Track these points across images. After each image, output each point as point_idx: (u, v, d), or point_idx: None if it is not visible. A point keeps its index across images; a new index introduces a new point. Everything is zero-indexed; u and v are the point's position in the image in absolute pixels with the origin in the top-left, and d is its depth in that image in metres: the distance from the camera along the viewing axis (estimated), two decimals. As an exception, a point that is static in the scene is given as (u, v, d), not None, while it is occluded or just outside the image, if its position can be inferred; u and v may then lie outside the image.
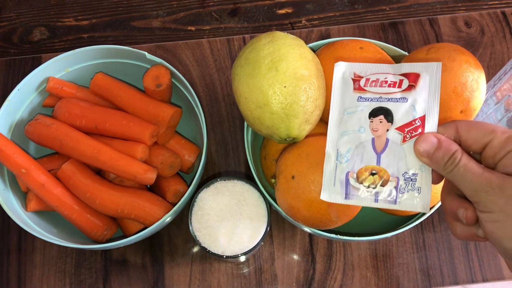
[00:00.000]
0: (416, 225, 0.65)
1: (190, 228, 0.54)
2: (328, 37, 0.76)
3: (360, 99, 0.45)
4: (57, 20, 0.81)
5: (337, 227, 0.58)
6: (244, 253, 0.53)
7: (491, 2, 0.80)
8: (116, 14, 0.81)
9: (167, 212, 0.56)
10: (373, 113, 0.44)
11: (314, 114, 0.51)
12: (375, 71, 0.46)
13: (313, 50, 0.59)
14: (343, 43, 0.57)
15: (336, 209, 0.48)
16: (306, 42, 0.75)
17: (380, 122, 0.44)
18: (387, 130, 0.43)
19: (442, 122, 0.49)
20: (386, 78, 0.45)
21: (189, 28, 0.80)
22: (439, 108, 0.42)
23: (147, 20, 0.81)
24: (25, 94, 0.60)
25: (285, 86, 0.49)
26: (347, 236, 0.53)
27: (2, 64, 0.75)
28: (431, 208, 0.55)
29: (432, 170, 0.41)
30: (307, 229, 0.54)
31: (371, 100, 0.45)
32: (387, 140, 0.43)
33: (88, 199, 0.56)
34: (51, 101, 0.62)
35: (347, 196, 0.45)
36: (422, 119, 0.42)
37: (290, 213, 0.51)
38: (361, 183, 0.44)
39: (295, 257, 0.65)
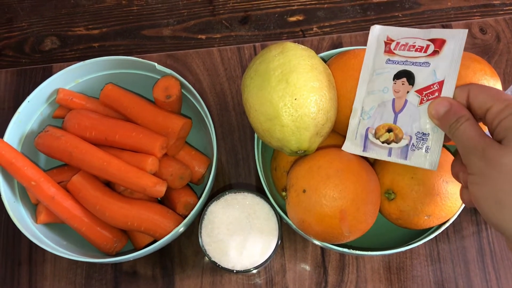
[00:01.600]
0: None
1: (200, 241, 0.53)
2: (340, 44, 0.75)
3: (388, 61, 0.49)
4: (68, 29, 0.81)
5: (348, 242, 0.57)
6: (255, 268, 0.52)
7: (507, 8, 0.78)
8: (126, 23, 0.81)
9: (177, 225, 0.55)
10: (397, 75, 0.48)
11: (325, 126, 0.50)
12: (406, 35, 0.49)
13: (324, 60, 0.58)
14: (355, 52, 0.55)
15: (348, 224, 0.47)
16: (318, 50, 0.75)
17: (402, 84, 0.47)
18: (408, 92, 0.47)
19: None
20: (414, 42, 0.48)
21: (199, 36, 0.80)
22: (457, 75, 0.44)
23: (157, 28, 0.80)
24: (35, 105, 0.60)
25: (295, 99, 0.48)
26: (360, 250, 0.52)
27: (14, 74, 0.76)
28: (445, 222, 0.54)
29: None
30: (318, 243, 0.53)
31: (398, 63, 0.48)
32: (406, 101, 0.47)
33: (98, 211, 0.56)
34: (61, 112, 0.62)
35: (364, 148, 0.50)
36: (441, 83, 0.45)
37: (301, 227, 0.51)
38: (378, 138, 0.48)
39: (307, 269, 0.64)
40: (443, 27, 0.76)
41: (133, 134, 0.56)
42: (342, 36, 0.76)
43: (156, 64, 0.59)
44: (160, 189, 0.54)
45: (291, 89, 0.48)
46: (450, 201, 0.50)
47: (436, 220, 0.51)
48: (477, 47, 0.75)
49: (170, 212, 0.57)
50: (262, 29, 0.80)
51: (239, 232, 0.53)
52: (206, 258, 0.65)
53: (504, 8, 0.78)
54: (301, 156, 0.53)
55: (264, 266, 0.56)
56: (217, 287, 0.64)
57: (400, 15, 0.79)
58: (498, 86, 0.49)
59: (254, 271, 0.62)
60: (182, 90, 0.62)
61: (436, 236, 0.65)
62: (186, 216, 0.55)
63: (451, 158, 0.52)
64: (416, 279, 0.64)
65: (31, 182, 0.55)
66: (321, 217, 0.48)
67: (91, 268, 0.65)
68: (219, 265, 0.52)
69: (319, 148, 0.53)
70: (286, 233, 0.66)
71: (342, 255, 0.65)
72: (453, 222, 0.58)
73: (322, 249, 0.65)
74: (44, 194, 0.55)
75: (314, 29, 0.79)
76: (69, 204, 0.56)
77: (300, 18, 0.80)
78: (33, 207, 0.60)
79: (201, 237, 0.53)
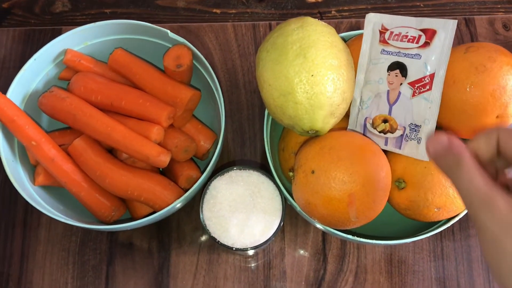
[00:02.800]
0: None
1: (201, 216, 0.51)
2: (358, 29, 0.73)
3: (383, 51, 0.50)
4: (80, -7, 0.79)
5: (353, 228, 0.55)
6: (255, 247, 0.50)
7: (532, 6, 0.76)
8: (140, -9, 0.79)
9: (178, 198, 0.53)
10: (391, 67, 0.49)
11: (340, 107, 0.48)
12: (400, 24, 0.49)
13: (344, 40, 0.56)
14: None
15: (356, 209, 0.46)
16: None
17: (396, 76, 0.49)
18: (401, 84, 0.48)
19: (476, 128, 0.47)
20: (407, 32, 0.48)
21: (214, 10, 0.78)
22: (446, 67, 0.46)
23: (172, -1, 0.78)
24: (41, 64, 0.58)
25: (312, 75, 0.46)
26: (363, 238, 0.51)
27: (22, 34, 0.74)
28: (452, 218, 0.52)
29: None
30: (320, 227, 0.51)
31: (392, 53, 0.49)
32: (399, 93, 0.49)
33: (98, 177, 0.54)
34: (67, 74, 0.60)
35: None
36: (432, 76, 0.47)
37: (306, 209, 0.49)
38: (375, 128, 0.51)
39: (306, 255, 0.63)
40: (466, 20, 0.74)
41: (140, 101, 0.55)
42: (360, 21, 0.74)
43: (169, 31, 0.58)
44: (164, 159, 0.52)
45: (309, 65, 0.46)
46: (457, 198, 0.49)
47: (446, 213, 0.49)
48: (499, 43, 0.72)
49: (172, 185, 0.56)
50: (279, 8, 0.77)
51: (242, 210, 0.51)
52: (204, 236, 0.64)
53: (530, 6, 0.76)
54: (312, 136, 0.51)
55: (264, 246, 0.54)
56: (213, 265, 0.63)
57: (421, 5, 0.77)
58: (523, 81, 0.47)
59: (251, 252, 0.60)
60: (194, 61, 0.60)
61: (441, 232, 0.64)
62: (187, 190, 0.53)
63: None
64: (417, 274, 0.62)
65: (31, 142, 0.53)
66: (329, 199, 0.46)
67: (86, 236, 0.64)
68: (218, 241, 0.50)
69: (332, 130, 0.51)
70: (288, 216, 0.65)
71: (343, 243, 0.63)
72: (459, 219, 0.56)
73: (324, 236, 0.64)
74: (44, 155, 0.54)
75: (333, 12, 0.77)
76: (69, 167, 0.54)
77: (319, 0, 0.78)
78: (32, 168, 0.58)
79: (202, 211, 0.52)
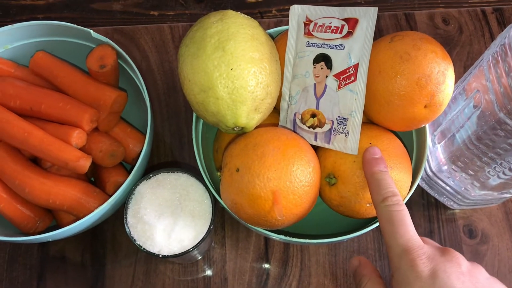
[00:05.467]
0: (380, 230, 0.61)
1: (125, 223, 0.49)
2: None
3: (308, 44, 0.48)
4: (11, -2, 0.76)
5: (295, 229, 0.53)
6: (183, 253, 0.48)
7: (471, 1, 0.76)
8: (75, -5, 0.76)
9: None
10: (316, 59, 0.47)
11: (265, 101, 0.46)
12: (323, 14, 0.48)
13: (272, 36, 0.54)
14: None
15: (282, 207, 0.43)
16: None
17: (321, 68, 0.47)
18: (326, 76, 0.47)
19: (405, 118, 0.45)
20: (331, 22, 0.47)
21: (151, 12, 0.75)
22: (369, 56, 0.45)
23: (107, 2, 0.76)
24: (-43, 70, 0.55)
25: (232, 69, 0.44)
26: (298, 238, 0.48)
27: None
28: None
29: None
30: (251, 227, 0.49)
31: (316, 45, 0.47)
32: (326, 86, 0.47)
33: (17, 186, 0.51)
34: (-14, 79, 0.57)
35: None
36: (356, 67, 0.45)
37: (233, 210, 0.46)
38: (304, 123, 0.49)
39: (249, 260, 0.60)
40: (406, 16, 0.74)
41: (59, 104, 0.52)
42: (301, 19, 0.73)
43: (91, 31, 0.55)
44: (83, 164, 0.49)
45: (228, 58, 0.44)
46: (400, 187, 0.47)
47: (379, 209, 0.47)
48: (439, 38, 0.72)
49: (97, 192, 0.53)
50: (219, 8, 0.75)
51: (168, 214, 0.48)
52: (141, 245, 0.60)
53: (469, 1, 0.76)
54: (240, 134, 0.49)
55: (196, 252, 0.51)
56: (150, 276, 0.60)
57: (362, 1, 0.76)
58: (450, 70, 0.46)
59: (194, 257, 0.57)
60: (122, 63, 0.57)
61: (385, 230, 0.62)
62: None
63: (397, 142, 0.49)
64: (363, 274, 0.60)
65: None
66: (254, 198, 0.44)
67: (15, 251, 0.60)
68: (144, 248, 0.48)
69: (260, 126, 0.49)
70: (228, 222, 0.62)
71: (286, 246, 0.61)
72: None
73: (266, 240, 0.61)
74: (-44, 165, 0.50)
75: (273, 11, 0.76)
76: (-15, 177, 0.51)
77: (260, 0, 0.76)
78: None
79: (126, 218, 0.49)
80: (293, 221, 0.46)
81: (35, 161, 0.55)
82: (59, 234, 0.49)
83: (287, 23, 0.49)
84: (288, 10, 0.51)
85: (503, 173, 0.51)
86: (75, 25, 0.55)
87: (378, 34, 0.72)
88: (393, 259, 0.38)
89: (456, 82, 0.53)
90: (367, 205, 0.47)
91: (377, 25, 0.73)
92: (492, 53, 0.46)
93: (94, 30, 0.55)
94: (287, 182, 0.43)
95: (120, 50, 0.54)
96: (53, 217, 0.56)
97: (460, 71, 0.69)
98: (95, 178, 0.57)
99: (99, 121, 0.53)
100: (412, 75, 0.44)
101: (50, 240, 0.50)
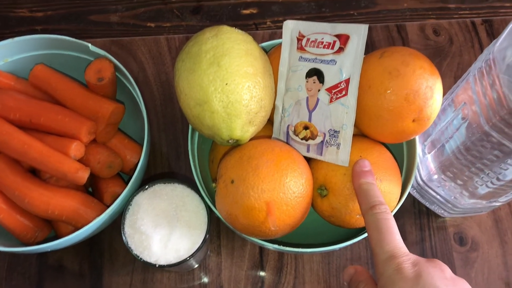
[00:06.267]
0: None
1: (122, 233, 0.50)
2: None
3: (300, 59, 0.49)
4: (10, 10, 0.77)
5: (288, 238, 0.54)
6: (180, 263, 0.49)
7: (461, 12, 0.77)
8: (72, 7, 0.77)
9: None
10: (309, 74, 0.49)
11: (259, 115, 0.48)
12: (315, 30, 0.49)
13: (266, 50, 0.55)
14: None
15: (275, 218, 0.45)
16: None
17: (314, 82, 0.48)
18: (319, 90, 0.48)
19: (394, 132, 0.47)
20: (323, 38, 0.48)
21: (148, 24, 0.77)
22: (360, 72, 0.47)
23: (105, 14, 0.77)
24: (-42, 83, 0.56)
25: (226, 83, 0.45)
26: (292, 247, 0.50)
27: None
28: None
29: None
30: (245, 237, 0.50)
31: (309, 60, 0.49)
32: (318, 99, 0.48)
33: (17, 197, 0.52)
34: (-14, 92, 0.58)
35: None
36: (347, 81, 0.47)
37: (228, 220, 0.48)
38: (297, 135, 0.50)
39: (244, 268, 0.62)
40: (397, 27, 0.75)
41: (58, 117, 0.53)
42: (295, 31, 0.74)
43: (90, 44, 0.56)
44: (82, 175, 0.51)
45: (223, 73, 0.45)
46: (388, 198, 0.48)
47: (370, 219, 0.49)
48: (430, 49, 0.74)
49: (95, 202, 0.54)
50: (214, 20, 0.77)
51: (165, 225, 0.50)
52: (138, 254, 0.61)
53: (459, 12, 0.77)
54: (234, 146, 0.50)
55: (193, 262, 0.53)
56: (147, 285, 0.61)
57: (355, 13, 0.78)
58: (438, 85, 0.47)
59: (189, 266, 0.58)
60: (119, 76, 0.59)
61: (378, 238, 0.63)
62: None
63: (387, 155, 0.50)
64: (356, 282, 0.61)
65: None
66: (248, 209, 0.45)
67: (14, 260, 0.61)
68: (141, 258, 0.49)
69: (254, 139, 0.50)
70: (224, 231, 0.63)
71: (280, 255, 0.62)
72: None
73: (261, 249, 0.62)
74: (-43, 177, 0.51)
75: (268, 23, 0.77)
76: (-15, 189, 0.52)
77: (254, 11, 0.78)
78: None
79: (123, 228, 0.50)
80: (287, 231, 0.47)
81: (34, 173, 0.56)
82: (58, 244, 0.50)
83: (281, 35, 0.50)
84: (282, 21, 0.52)
85: (491, 182, 0.52)
86: (73, 39, 0.56)
87: (370, 45, 0.74)
88: (378, 265, 0.39)
89: (446, 93, 0.54)
90: (357, 216, 0.48)
91: (369, 36, 0.74)
92: (478, 67, 0.47)
93: (91, 42, 0.57)
94: (281, 193, 0.45)
95: (118, 63, 0.56)
96: (51, 227, 0.57)
97: (451, 81, 0.71)
98: (93, 189, 0.58)
99: (97, 133, 0.55)
100: (400, 91, 0.45)
101: (49, 250, 0.51)
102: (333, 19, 0.77)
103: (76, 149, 0.52)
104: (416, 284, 0.35)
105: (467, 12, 0.77)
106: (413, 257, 0.38)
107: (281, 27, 0.76)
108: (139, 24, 0.76)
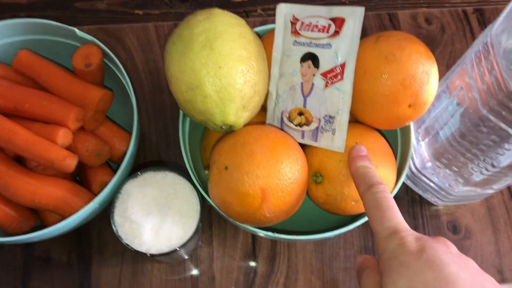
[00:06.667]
0: (366, 227, 0.62)
1: (112, 222, 0.48)
2: (283, 27, 0.72)
3: (295, 43, 0.48)
4: (-8, -4, 0.74)
5: (282, 226, 0.53)
6: (171, 252, 0.47)
7: (453, 1, 0.77)
8: (58, -7, 0.75)
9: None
10: (303, 58, 0.47)
11: (253, 100, 0.47)
12: (310, 13, 0.48)
13: (259, 35, 0.54)
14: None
15: (271, 205, 0.44)
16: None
17: (309, 67, 0.47)
18: (314, 75, 0.47)
19: (389, 117, 0.46)
20: (318, 22, 0.47)
21: (136, 12, 0.75)
22: (356, 55, 0.45)
23: (92, 1, 0.75)
24: None
25: (219, 67, 0.44)
26: (285, 234, 0.49)
27: None
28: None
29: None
30: (245, 227, 0.49)
31: (303, 44, 0.47)
32: (313, 84, 0.47)
33: (1, 186, 0.50)
34: (-31, 78, 0.56)
35: None
36: (343, 66, 0.46)
37: (222, 208, 0.47)
38: (292, 121, 0.49)
39: (236, 258, 0.61)
40: (389, 15, 0.75)
41: (44, 103, 0.51)
42: (286, 19, 0.73)
43: (76, 29, 0.55)
44: (69, 163, 0.49)
45: (215, 56, 0.44)
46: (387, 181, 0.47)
47: (365, 206, 0.48)
48: (422, 37, 0.73)
49: (83, 191, 0.52)
50: (203, 7, 0.75)
51: (156, 213, 0.48)
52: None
53: (451, 1, 0.77)
54: (228, 132, 0.49)
55: (184, 251, 0.51)
56: (138, 276, 0.59)
57: (347, 1, 0.77)
58: (434, 69, 0.46)
59: (179, 256, 0.57)
60: (107, 62, 0.57)
61: (370, 227, 0.62)
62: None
63: (382, 141, 0.49)
64: (349, 271, 0.61)
65: None
66: (243, 196, 0.44)
67: (-2, 252, 0.59)
68: (131, 247, 0.47)
69: (248, 125, 0.49)
70: (216, 220, 0.62)
71: (273, 244, 0.61)
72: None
73: (253, 238, 0.61)
74: None
75: (258, 10, 0.76)
76: (-32, 177, 0.50)
77: (245, -2, 0.76)
78: None
79: (113, 217, 0.48)
80: (282, 218, 0.46)
81: (20, 161, 0.54)
82: (44, 234, 0.48)
83: (272, 22, 0.49)
84: (273, 9, 0.51)
85: (486, 169, 0.52)
86: (59, 23, 0.55)
87: (362, 33, 0.73)
88: (380, 242, 0.37)
89: (440, 80, 0.54)
90: (353, 202, 0.47)
91: (361, 25, 0.73)
92: (475, 52, 0.47)
93: (78, 29, 0.55)
94: (276, 179, 0.44)
95: (106, 49, 0.54)
96: (38, 217, 0.55)
97: (443, 69, 0.71)
98: (81, 178, 0.57)
99: (85, 120, 0.53)
100: (396, 76, 0.45)
101: (35, 240, 0.50)
102: (324, 7, 0.76)
103: (63, 136, 0.50)
104: (419, 257, 0.34)
105: (459, 1, 0.77)
106: (416, 233, 0.37)
107: (272, 15, 0.75)
108: (127, 12, 0.75)
